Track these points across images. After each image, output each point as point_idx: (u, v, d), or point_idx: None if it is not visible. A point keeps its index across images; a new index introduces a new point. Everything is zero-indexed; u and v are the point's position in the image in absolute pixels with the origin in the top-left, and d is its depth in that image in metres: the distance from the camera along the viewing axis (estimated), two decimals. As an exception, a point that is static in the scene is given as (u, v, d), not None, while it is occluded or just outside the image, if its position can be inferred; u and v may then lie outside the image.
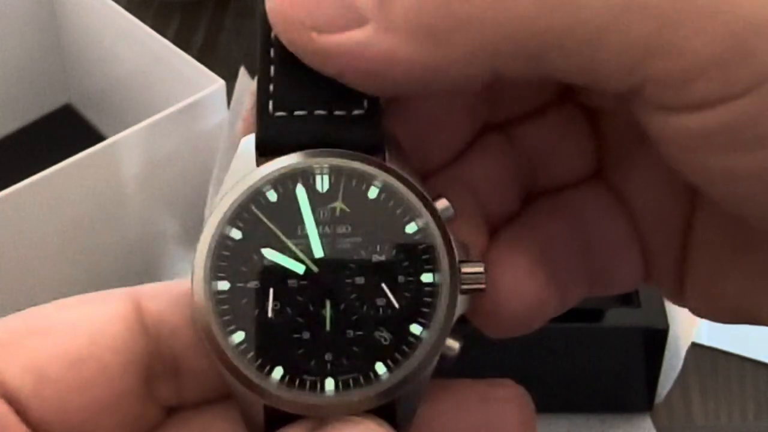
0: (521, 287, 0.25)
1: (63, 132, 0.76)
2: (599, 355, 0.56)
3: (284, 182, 0.23)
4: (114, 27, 0.68)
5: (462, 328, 0.24)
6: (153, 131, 0.59)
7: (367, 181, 0.23)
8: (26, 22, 0.73)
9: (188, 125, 0.61)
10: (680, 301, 0.26)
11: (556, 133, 0.27)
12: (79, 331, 0.23)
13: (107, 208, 0.60)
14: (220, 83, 0.60)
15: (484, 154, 0.26)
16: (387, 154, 0.24)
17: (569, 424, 0.58)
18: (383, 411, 0.23)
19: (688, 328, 0.56)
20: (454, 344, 0.23)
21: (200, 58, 0.63)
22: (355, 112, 0.23)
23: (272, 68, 0.24)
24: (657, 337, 0.54)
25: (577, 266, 0.26)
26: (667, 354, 0.55)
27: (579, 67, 0.21)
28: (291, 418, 0.23)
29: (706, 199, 0.25)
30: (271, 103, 0.23)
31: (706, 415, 0.59)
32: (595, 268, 0.26)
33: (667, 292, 0.27)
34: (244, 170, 0.23)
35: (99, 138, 0.73)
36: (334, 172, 0.23)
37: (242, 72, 0.67)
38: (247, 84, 0.65)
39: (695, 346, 0.60)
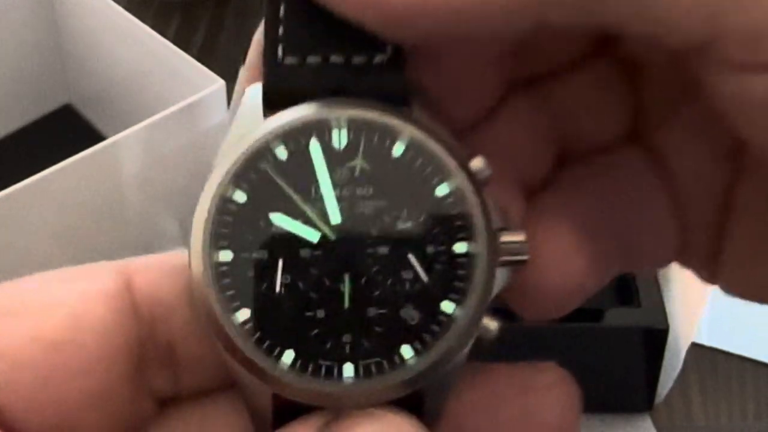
0: (566, 261, 0.22)
1: (63, 132, 0.76)
2: (599, 355, 0.56)
3: (296, 137, 0.20)
4: (114, 27, 0.68)
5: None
6: (153, 131, 0.59)
7: (392, 135, 0.20)
8: (26, 22, 0.73)
9: (188, 125, 0.61)
10: (711, 278, 0.24)
11: (591, 90, 0.24)
12: (58, 311, 0.20)
13: (107, 208, 0.60)
14: (220, 83, 0.60)
15: (513, 112, 0.23)
16: (414, 108, 0.21)
17: (569, 424, 0.58)
18: (409, 402, 0.20)
19: (688, 328, 0.56)
20: (491, 324, 0.20)
21: (200, 58, 0.63)
22: (377, 59, 0.20)
23: (282, 7, 0.21)
24: (657, 337, 0.54)
25: (614, 239, 0.23)
26: (667, 354, 0.55)
27: (643, 17, 0.18)
28: (303, 410, 0.20)
29: (754, 168, 0.23)
30: (280, 48, 0.20)
31: (706, 415, 0.59)
32: (630, 239, 0.24)
33: (699, 268, 0.24)
34: (250, 124, 0.20)
35: (99, 138, 0.72)
36: (354, 126, 0.20)
37: (242, 71, 0.67)
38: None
39: (695, 346, 0.60)
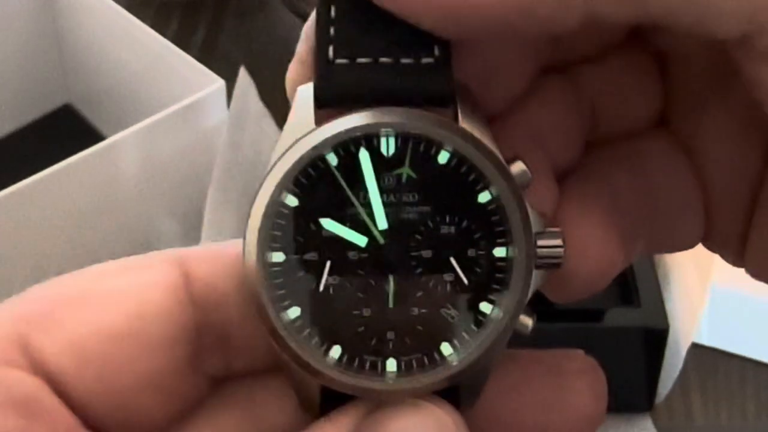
0: (596, 249, 0.23)
1: (63, 132, 0.76)
2: (599, 355, 0.55)
3: (346, 145, 0.21)
4: (114, 27, 0.68)
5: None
6: (153, 131, 0.59)
7: (437, 144, 0.21)
8: (26, 22, 0.73)
9: (188, 125, 0.61)
10: (739, 263, 0.25)
11: (622, 77, 0.24)
12: (121, 302, 0.21)
13: (107, 208, 0.60)
14: (220, 83, 0.60)
15: (545, 97, 0.24)
16: (459, 108, 0.21)
17: (569, 424, 0.58)
18: (446, 391, 0.21)
19: (688, 328, 0.56)
20: (527, 321, 0.21)
21: (200, 58, 0.63)
22: (425, 60, 0.21)
23: (333, 8, 0.21)
24: (657, 337, 0.54)
25: (642, 221, 0.24)
26: (667, 354, 0.55)
27: (687, 10, 0.19)
28: (348, 397, 0.21)
29: None
30: (331, 48, 0.21)
31: (706, 415, 0.59)
32: (656, 223, 0.24)
33: (726, 253, 0.25)
34: (302, 124, 0.21)
35: (99, 138, 0.72)
36: (401, 135, 0.21)
37: (242, 72, 0.67)
38: (247, 84, 0.65)
39: (695, 346, 0.60)
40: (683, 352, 0.56)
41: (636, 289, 0.55)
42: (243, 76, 0.67)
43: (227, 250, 0.22)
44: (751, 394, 0.60)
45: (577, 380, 0.23)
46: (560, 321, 0.54)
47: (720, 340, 0.62)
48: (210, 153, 0.62)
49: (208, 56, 0.80)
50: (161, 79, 0.66)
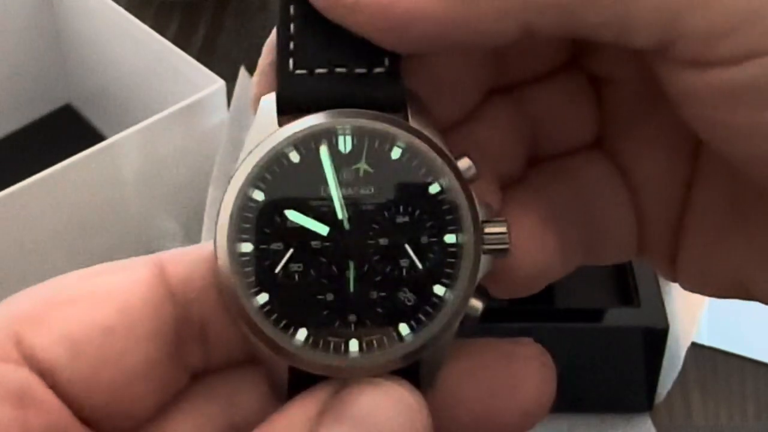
0: (534, 249, 0.25)
1: (63, 132, 0.76)
2: (599, 355, 0.56)
3: (307, 143, 0.23)
4: (114, 27, 0.68)
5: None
6: (153, 131, 0.59)
7: (390, 141, 0.23)
8: (26, 22, 0.73)
9: (188, 125, 0.61)
10: (671, 275, 0.27)
11: (562, 99, 0.27)
12: (107, 299, 0.22)
13: (107, 208, 0.60)
14: (220, 83, 0.60)
15: (491, 116, 0.26)
16: (409, 111, 0.23)
17: (569, 424, 0.58)
18: (407, 373, 0.23)
19: (688, 328, 0.56)
20: (477, 304, 0.23)
21: (200, 58, 0.63)
22: (376, 70, 0.23)
23: (292, 25, 0.23)
24: (657, 337, 0.54)
25: (577, 232, 0.26)
26: (667, 354, 0.55)
27: (611, 22, 0.21)
28: (315, 380, 0.22)
29: (709, 170, 0.25)
30: (291, 61, 0.23)
31: (706, 415, 0.59)
32: (592, 235, 0.26)
33: (659, 265, 0.27)
34: (265, 130, 0.23)
35: (99, 138, 0.73)
36: (357, 133, 0.23)
37: (242, 72, 0.67)
38: (247, 84, 0.65)
39: (695, 346, 0.60)
40: (683, 352, 0.56)
41: (636, 289, 0.55)
42: (243, 76, 0.67)
43: (199, 250, 0.24)
44: (751, 394, 0.60)
45: (527, 365, 0.24)
46: (560, 321, 0.54)
47: (720, 340, 0.62)
48: (210, 153, 0.62)
49: (208, 56, 0.80)
50: (161, 79, 0.66)
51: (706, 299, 0.56)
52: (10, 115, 0.75)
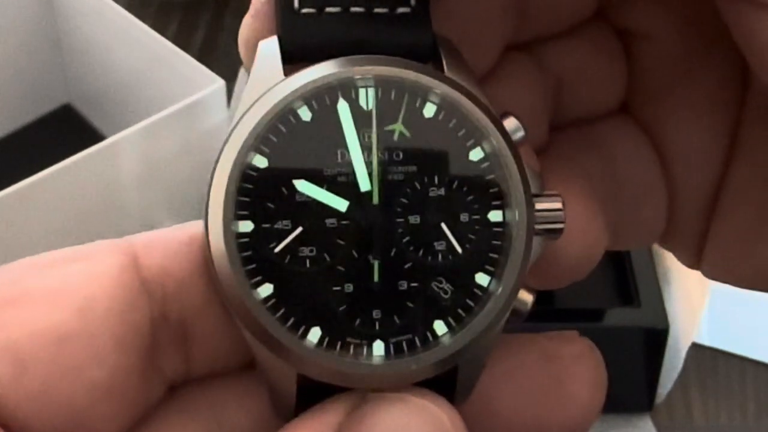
0: (582, 228, 0.21)
1: (63, 132, 0.76)
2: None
3: (320, 97, 0.18)
4: (114, 27, 0.68)
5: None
6: (153, 131, 0.59)
7: (423, 95, 0.18)
8: (26, 22, 0.73)
9: (188, 125, 0.61)
10: (695, 262, 0.23)
11: (587, 57, 0.23)
12: (64, 298, 0.18)
13: (107, 208, 0.60)
14: (220, 83, 0.60)
15: (511, 74, 0.22)
16: (444, 61, 0.19)
17: (569, 424, 0.58)
18: (441, 383, 0.19)
19: (688, 328, 0.56)
20: (527, 297, 0.19)
21: (200, 58, 0.63)
22: (400, 9, 0.19)
23: None
24: (657, 337, 0.54)
25: (610, 208, 0.22)
26: (667, 354, 0.55)
27: None
28: (328, 392, 0.18)
29: (750, 146, 0.22)
30: None
31: (706, 415, 0.59)
32: (619, 215, 0.23)
33: (683, 251, 0.24)
34: (267, 81, 0.18)
35: (99, 138, 0.72)
36: (382, 85, 0.18)
37: (242, 72, 0.67)
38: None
39: (695, 346, 0.60)
40: (683, 351, 0.56)
41: (636, 289, 0.55)
42: (243, 76, 0.67)
43: (178, 232, 0.20)
44: (751, 394, 0.60)
45: (574, 364, 0.20)
46: (560, 321, 0.54)
47: (720, 340, 0.62)
48: (210, 153, 0.62)
49: (208, 56, 0.80)
50: (161, 79, 0.66)
51: (707, 299, 0.56)
52: (9, 115, 0.75)
